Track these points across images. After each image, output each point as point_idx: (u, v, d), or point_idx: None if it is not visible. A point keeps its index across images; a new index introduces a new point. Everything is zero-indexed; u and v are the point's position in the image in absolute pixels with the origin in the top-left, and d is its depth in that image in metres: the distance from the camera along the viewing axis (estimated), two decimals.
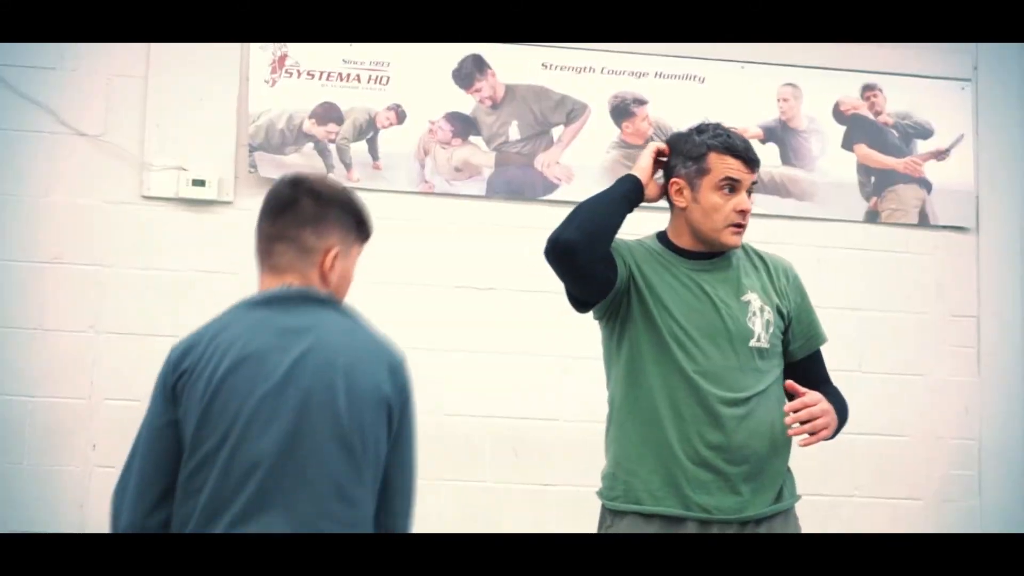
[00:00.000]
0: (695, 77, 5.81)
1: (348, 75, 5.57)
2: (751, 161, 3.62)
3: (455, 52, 5.65)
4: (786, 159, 5.85)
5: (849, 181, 5.89)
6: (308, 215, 2.91)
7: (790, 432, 3.49)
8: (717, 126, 3.67)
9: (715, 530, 3.48)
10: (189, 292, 5.35)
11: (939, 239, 5.92)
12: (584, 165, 5.67)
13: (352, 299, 2.97)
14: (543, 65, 5.72)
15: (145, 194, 5.39)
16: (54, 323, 5.30)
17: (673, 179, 3.67)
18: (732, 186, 3.59)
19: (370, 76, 5.58)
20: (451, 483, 5.43)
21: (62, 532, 5.10)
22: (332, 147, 5.51)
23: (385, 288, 5.36)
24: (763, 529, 3.52)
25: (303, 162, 5.46)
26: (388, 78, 5.59)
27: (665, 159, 3.72)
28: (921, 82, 6.00)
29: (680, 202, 3.66)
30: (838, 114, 5.93)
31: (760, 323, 3.60)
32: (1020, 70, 6.04)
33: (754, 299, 3.64)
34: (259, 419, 2.70)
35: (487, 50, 5.67)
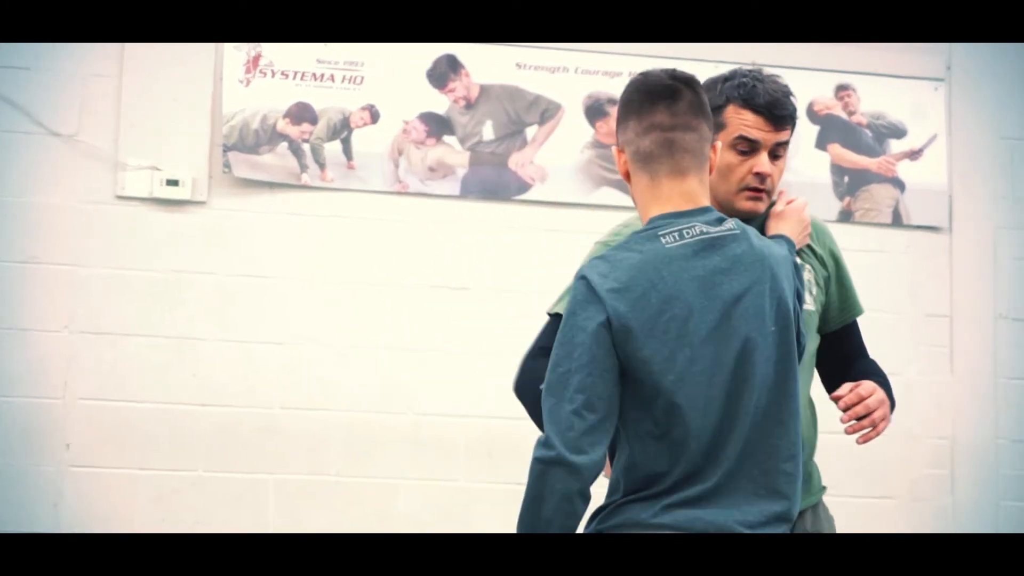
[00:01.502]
0: None
1: (322, 75, 5.56)
2: (776, 118, 3.13)
3: (429, 52, 5.64)
4: None
5: (822, 181, 5.90)
6: (696, 105, 2.73)
7: (848, 430, 3.15)
8: (748, 73, 3.19)
9: None
10: (163, 292, 5.35)
11: (912, 239, 5.94)
12: (558, 165, 5.66)
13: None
14: (517, 65, 5.72)
15: (119, 194, 5.38)
16: (29, 323, 5.29)
17: None
18: (750, 147, 3.13)
19: (344, 76, 5.57)
20: (424, 483, 5.43)
21: (36, 532, 5.10)
22: (306, 147, 5.50)
23: (359, 288, 5.37)
24: (796, 528, 3.16)
25: (277, 162, 5.45)
26: (362, 78, 5.59)
27: None
28: (895, 82, 6.01)
29: None
30: (811, 114, 5.94)
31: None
32: (993, 70, 6.06)
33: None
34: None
35: (461, 50, 5.66)
